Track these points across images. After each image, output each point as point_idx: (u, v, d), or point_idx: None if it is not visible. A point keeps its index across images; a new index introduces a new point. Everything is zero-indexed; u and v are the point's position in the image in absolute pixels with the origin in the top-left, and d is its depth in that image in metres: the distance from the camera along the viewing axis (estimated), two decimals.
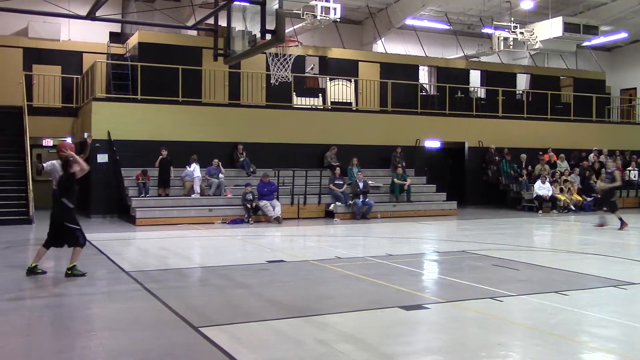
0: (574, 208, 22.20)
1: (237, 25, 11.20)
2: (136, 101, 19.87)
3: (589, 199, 22.58)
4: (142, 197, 17.92)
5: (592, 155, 25.67)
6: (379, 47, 27.50)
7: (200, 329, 6.45)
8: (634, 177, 25.22)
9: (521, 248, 13.17)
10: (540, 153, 24.41)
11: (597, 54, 32.61)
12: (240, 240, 14.56)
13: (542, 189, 21.92)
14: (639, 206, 24.58)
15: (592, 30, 25.35)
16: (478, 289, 8.54)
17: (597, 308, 7.65)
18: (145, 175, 18.19)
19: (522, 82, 28.56)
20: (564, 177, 23.21)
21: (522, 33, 25.22)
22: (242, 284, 9.03)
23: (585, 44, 28.17)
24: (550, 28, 24.95)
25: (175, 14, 23.95)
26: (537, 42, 25.55)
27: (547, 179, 22.25)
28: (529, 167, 23.57)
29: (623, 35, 29.89)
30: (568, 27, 24.63)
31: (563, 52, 28.20)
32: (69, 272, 9.30)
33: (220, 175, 18.93)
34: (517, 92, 27.87)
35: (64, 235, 9.48)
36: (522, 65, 28.73)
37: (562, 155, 24.67)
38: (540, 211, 21.58)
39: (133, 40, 21.88)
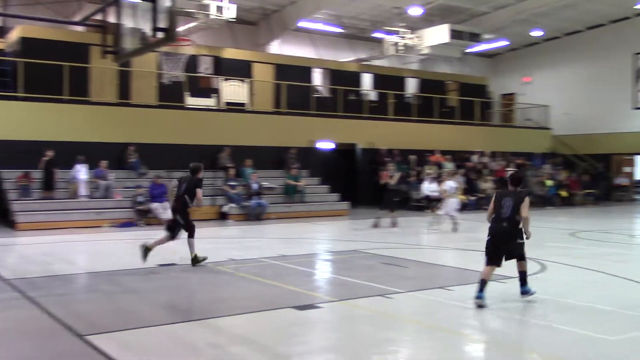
0: (459, 207, 23.18)
1: (128, 22, 10.88)
2: (17, 99, 18.79)
3: (472, 198, 23.72)
4: (25, 200, 16.97)
5: (475, 156, 26.97)
6: (274, 48, 27.57)
7: (86, 337, 6.20)
8: None
9: (410, 246, 13.63)
10: (428, 154, 25.37)
11: (479, 60, 34.37)
12: (130, 243, 14.12)
13: (430, 189, 22.75)
14: None
15: (475, 37, 26.62)
16: (369, 287, 8.77)
17: None
18: (28, 178, 17.24)
19: (412, 86, 29.58)
20: (450, 178, 24.17)
21: (411, 38, 26.12)
22: (132, 289, 8.77)
23: (470, 50, 29.59)
24: (438, 34, 25.96)
25: (60, 8, 22.89)
26: (425, 47, 26.51)
27: (435, 180, 23.12)
28: (418, 168, 24.43)
29: (504, 43, 31.68)
30: (454, 34, 25.71)
31: (449, 58, 29.45)
32: None
33: (109, 177, 18.28)
34: (407, 95, 28.85)
35: None
36: (411, 69, 29.75)
37: (448, 156, 25.75)
38: (428, 210, 22.39)
39: (14, 35, 20.69)
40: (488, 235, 7.89)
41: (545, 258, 11.30)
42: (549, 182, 26.38)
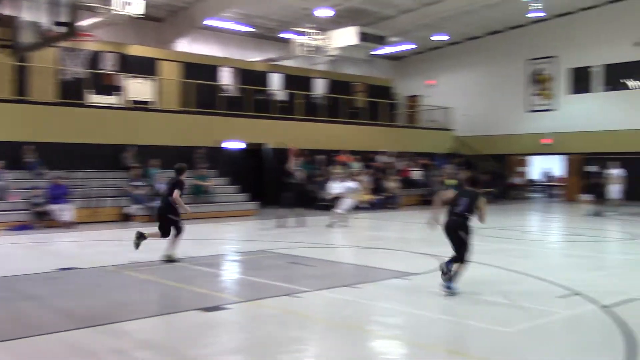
0: (365, 206, 23.65)
1: (26, 15, 10.39)
2: None
3: (379, 197, 24.26)
4: None
5: (381, 156, 27.56)
6: (181, 46, 27.09)
7: None
8: (417, 176, 27.60)
9: (317, 245, 13.78)
10: (336, 154, 25.71)
11: (386, 62, 35.17)
12: (28, 247, 13.50)
13: (337, 188, 23.06)
14: (422, 204, 26.89)
15: (382, 40, 27.20)
16: (276, 287, 8.80)
17: (384, 299, 8.27)
18: None
19: (320, 86, 29.88)
20: (356, 177, 24.58)
21: (319, 39, 26.38)
22: (29, 295, 8.38)
23: (376, 52, 30.24)
24: (346, 36, 26.35)
25: None
26: (333, 48, 26.85)
27: (343, 180, 23.46)
28: (325, 168, 24.70)
29: (409, 46, 32.59)
30: (361, 36, 26.16)
31: (356, 59, 29.97)
32: None
33: (5, 178, 17.36)
34: (315, 96, 29.12)
35: None
36: (319, 70, 30.05)
37: (355, 156, 26.18)
38: (336, 210, 22.69)
39: None
40: (443, 228, 8.65)
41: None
42: (451, 181, 27.32)
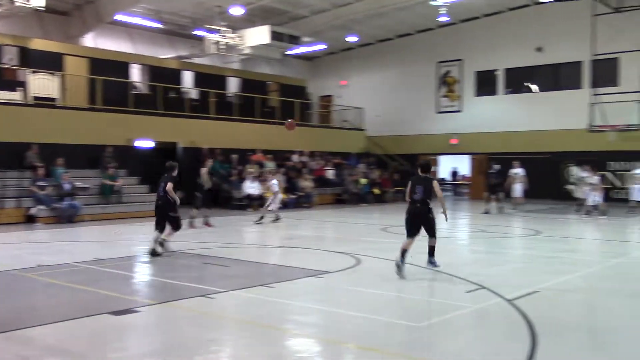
0: (280, 206, 23.66)
1: None
2: None
3: (292, 196, 24.35)
4: None
5: (295, 156, 27.69)
6: (88, 41, 26.15)
7: None
8: (331, 175, 27.91)
9: (231, 245, 13.67)
10: (250, 153, 25.59)
11: (299, 62, 35.34)
12: None
13: (251, 188, 23.01)
14: (335, 203, 27.24)
15: (295, 40, 27.32)
16: (190, 288, 8.67)
17: (299, 297, 8.32)
18: None
19: (233, 85, 29.64)
20: (271, 177, 24.58)
21: (232, 38, 26.16)
22: None
23: (290, 52, 30.33)
24: (259, 35, 26.27)
25: None
26: (246, 47, 26.70)
27: (257, 179, 23.41)
28: (240, 167, 24.57)
29: (322, 46, 32.88)
30: (274, 36, 26.17)
31: (270, 59, 29.95)
32: None
33: None
34: (228, 95, 28.86)
35: None
36: (232, 68, 29.81)
37: (269, 155, 26.17)
38: (250, 209, 22.63)
39: None
40: (406, 214, 9.62)
41: (360, 252, 11.93)
42: (363, 181, 27.83)
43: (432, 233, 9.65)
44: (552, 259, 11.97)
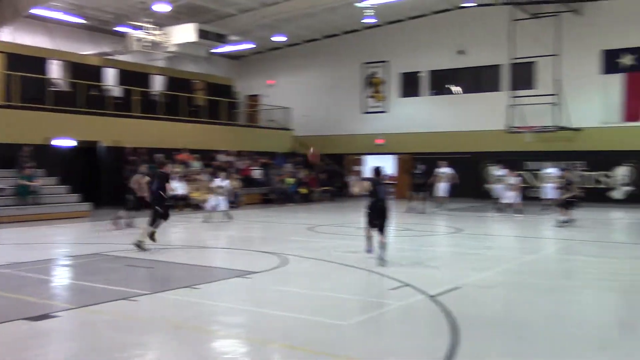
0: (205, 206, 23.39)
1: None
2: None
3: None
4: None
5: (222, 155, 27.42)
6: (4, 35, 25.00)
7: None
8: (258, 175, 27.80)
9: (156, 246, 13.39)
10: (176, 153, 25.16)
11: (226, 61, 35.00)
12: None
13: (177, 188, 22.62)
14: (262, 202, 27.15)
15: (222, 38, 27.03)
16: (112, 291, 8.43)
17: (226, 298, 8.25)
18: None
19: (158, 83, 29.05)
20: (196, 177, 24.28)
21: (157, 35, 25.62)
22: None
23: (216, 50, 29.99)
24: (185, 33, 25.84)
25: None
26: (172, 45, 26.22)
27: (183, 179, 23.05)
28: (165, 167, 24.09)
29: (249, 45, 32.68)
30: (201, 34, 25.80)
31: (196, 57, 29.53)
32: None
33: None
34: (153, 93, 28.27)
35: None
36: (158, 66, 29.22)
37: (195, 155, 25.81)
38: (175, 209, 22.24)
39: None
40: (368, 210, 11.03)
41: (287, 252, 11.94)
42: (290, 180, 27.87)
43: (384, 229, 10.92)
44: (473, 256, 12.34)
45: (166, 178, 12.96)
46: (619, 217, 21.12)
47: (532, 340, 6.41)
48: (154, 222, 12.58)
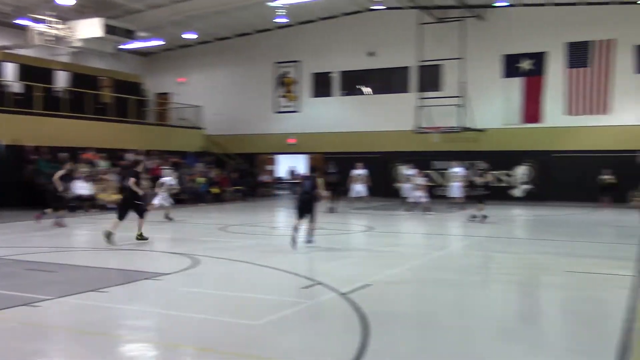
0: (113, 206, 22.67)
1: None
2: None
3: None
4: None
5: (130, 154, 26.64)
6: None
7: None
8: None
9: (59, 249, 12.88)
10: (81, 152, 24.25)
11: (134, 57, 34.08)
12: None
13: (82, 188, 21.84)
14: (173, 202, 26.60)
15: (130, 34, 26.32)
16: (10, 297, 8.02)
17: (134, 301, 8.04)
18: None
19: (62, 79, 27.88)
20: (103, 176, 23.49)
21: (61, 29, 24.61)
22: None
23: (125, 47, 29.15)
24: (91, 28, 24.98)
25: None
26: (76, 40, 25.27)
27: (90, 178, 22.25)
28: (70, 166, 23.17)
29: (159, 42, 31.95)
30: (108, 29, 25.02)
31: (103, 53, 28.60)
32: None
33: None
34: (56, 89, 27.12)
35: None
36: (61, 62, 28.05)
37: (101, 154, 24.98)
38: (80, 210, 21.47)
39: None
40: (297, 202, 12.76)
41: (199, 253, 11.78)
42: (202, 180, 27.48)
43: (313, 218, 12.66)
44: (384, 254, 12.62)
45: (137, 176, 13.65)
46: (519, 214, 22.17)
47: (440, 334, 6.63)
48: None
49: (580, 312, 7.69)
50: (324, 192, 13.42)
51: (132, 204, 13.54)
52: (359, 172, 23.43)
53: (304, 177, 13.31)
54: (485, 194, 18.57)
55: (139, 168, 14.21)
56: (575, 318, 7.47)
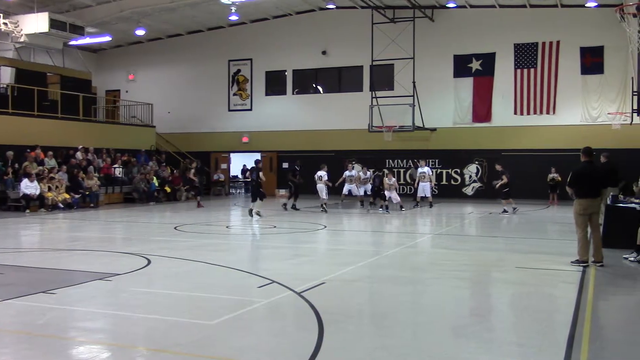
0: (62, 206, 22.18)
1: None
2: None
3: (77, 196, 22.95)
4: None
5: (79, 153, 26.08)
6: None
7: None
8: (119, 173, 26.75)
9: (6, 250, 12.52)
10: (28, 150, 23.60)
11: (83, 54, 33.32)
12: None
13: (29, 187, 21.27)
14: (124, 202, 26.20)
15: (78, 30, 25.77)
16: None
17: (85, 302, 7.86)
18: None
19: (7, 76, 27.03)
20: (51, 175, 22.93)
21: (5, 24, 23.90)
22: None
23: (72, 42, 28.49)
24: (36, 23, 24.36)
25: None
26: (22, 35, 24.59)
27: (37, 177, 21.67)
28: (16, 165, 22.55)
29: (107, 38, 31.33)
30: (54, 24, 24.44)
31: (50, 49, 27.91)
32: None
33: None
34: (1, 86, 26.30)
35: None
36: (6, 57, 27.23)
37: (50, 152, 24.37)
38: (28, 210, 20.92)
39: None
40: (252, 188, 16.01)
41: (151, 252, 11.61)
42: (154, 179, 27.09)
43: (260, 197, 18.55)
44: (338, 251, 12.69)
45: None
46: (470, 211, 22.57)
47: (393, 331, 6.70)
48: None
49: (530, 307, 7.88)
50: (263, 178, 19.30)
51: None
52: (321, 174, 23.49)
53: (252, 170, 18.84)
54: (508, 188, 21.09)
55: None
56: (525, 313, 7.65)
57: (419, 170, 23.79)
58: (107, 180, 25.86)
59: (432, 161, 28.60)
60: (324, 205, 21.62)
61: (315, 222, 18.38)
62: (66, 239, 15.19)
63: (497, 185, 21.36)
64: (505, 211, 21.05)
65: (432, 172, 25.34)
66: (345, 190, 23.82)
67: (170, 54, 33.49)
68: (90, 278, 9.26)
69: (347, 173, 24.06)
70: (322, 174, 22.57)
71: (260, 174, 19.04)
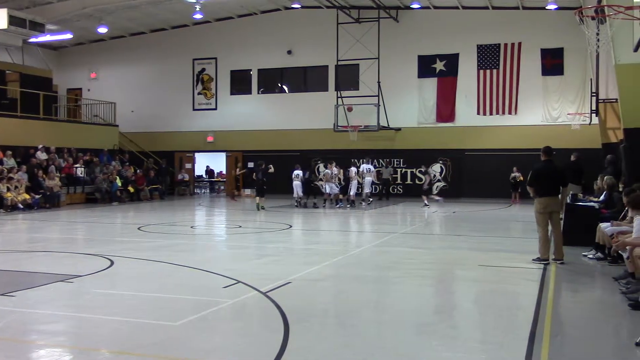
0: (21, 206, 21.72)
1: None
2: None
3: (37, 196, 22.51)
4: None
5: (39, 152, 25.57)
6: None
7: None
8: (81, 173, 26.32)
9: None
10: None
11: (44, 51, 32.68)
12: None
13: None
14: (86, 202, 25.79)
15: (38, 27, 25.23)
16: None
17: (46, 305, 7.71)
18: None
19: None
20: (10, 175, 22.44)
21: None
22: None
23: (32, 40, 27.89)
24: None
25: None
26: None
27: None
28: None
29: (68, 36, 30.74)
30: (13, 21, 23.90)
31: (9, 46, 27.30)
32: None
33: None
34: None
35: None
36: None
37: (9, 152, 23.84)
38: None
39: None
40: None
41: (114, 253, 11.46)
42: (117, 178, 26.72)
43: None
44: (303, 251, 12.69)
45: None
46: (434, 210, 22.80)
47: (358, 329, 6.72)
48: None
49: (492, 305, 7.99)
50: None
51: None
52: (297, 172, 23.72)
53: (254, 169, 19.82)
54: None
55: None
56: (488, 310, 7.76)
57: (364, 166, 24.36)
58: (69, 180, 25.41)
59: (396, 161, 28.85)
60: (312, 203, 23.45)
61: (281, 222, 18.36)
62: (26, 240, 14.89)
63: (425, 184, 23.95)
64: (426, 205, 23.29)
65: (397, 171, 26.19)
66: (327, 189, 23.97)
67: (133, 52, 33.06)
68: (51, 280, 9.09)
69: (327, 171, 24.24)
70: (299, 172, 23.48)
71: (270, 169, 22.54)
